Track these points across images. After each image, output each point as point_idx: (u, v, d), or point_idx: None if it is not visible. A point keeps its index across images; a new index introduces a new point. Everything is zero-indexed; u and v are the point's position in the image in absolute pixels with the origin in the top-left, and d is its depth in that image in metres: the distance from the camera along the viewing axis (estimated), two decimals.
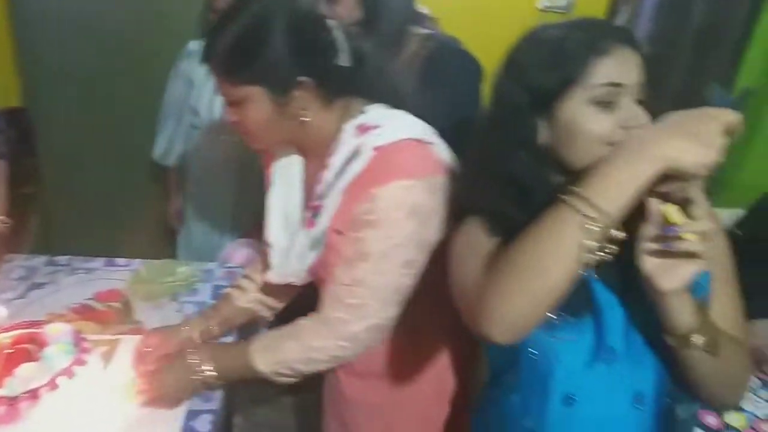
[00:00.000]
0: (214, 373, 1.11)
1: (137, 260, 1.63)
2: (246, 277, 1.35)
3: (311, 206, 1.08)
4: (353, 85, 1.07)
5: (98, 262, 1.63)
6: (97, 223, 2.55)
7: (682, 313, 0.78)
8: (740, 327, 0.89)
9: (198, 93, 2.06)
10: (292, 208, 1.17)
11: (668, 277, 0.74)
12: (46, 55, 2.44)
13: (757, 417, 2.15)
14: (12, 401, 1.03)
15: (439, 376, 1.22)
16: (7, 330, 1.20)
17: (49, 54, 2.44)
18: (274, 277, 1.20)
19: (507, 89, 0.88)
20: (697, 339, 0.78)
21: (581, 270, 0.73)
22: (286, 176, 1.18)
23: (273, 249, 1.19)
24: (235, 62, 0.99)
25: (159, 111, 2.21)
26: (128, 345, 1.28)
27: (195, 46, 2.10)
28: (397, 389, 1.21)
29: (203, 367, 1.11)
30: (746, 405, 2.19)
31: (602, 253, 0.75)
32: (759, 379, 2.33)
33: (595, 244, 0.72)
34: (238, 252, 1.75)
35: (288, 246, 1.15)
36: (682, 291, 0.76)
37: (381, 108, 1.08)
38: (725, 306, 0.88)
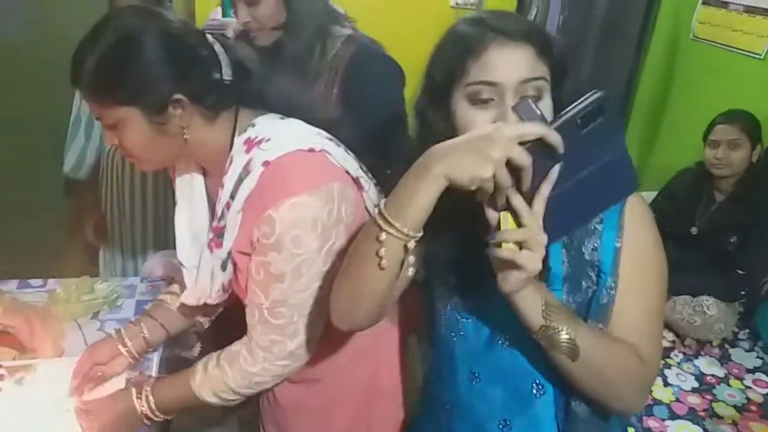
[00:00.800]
0: (159, 414, 1.12)
1: (52, 280, 1.55)
2: (178, 282, 1.31)
3: (215, 228, 1.06)
4: (238, 97, 1.05)
5: (11, 284, 1.54)
6: (6, 244, 2.41)
7: (527, 314, 0.80)
8: (643, 337, 0.87)
9: None
10: (198, 227, 1.14)
11: (505, 280, 0.77)
12: None
13: (684, 390, 2.28)
14: None
15: (370, 374, 1.23)
16: None
17: None
18: (188, 299, 1.18)
19: (420, 84, 0.90)
20: (544, 338, 0.79)
21: (389, 275, 0.81)
22: (189, 195, 1.15)
23: (185, 269, 1.16)
24: (103, 83, 0.95)
25: (66, 123, 2.11)
26: (46, 369, 1.22)
27: None
28: (330, 391, 1.21)
29: (148, 407, 1.11)
30: (672, 379, 2.32)
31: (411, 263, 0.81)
32: (682, 353, 2.48)
33: (384, 252, 0.78)
34: (159, 264, 1.69)
35: (198, 265, 1.13)
36: (525, 293, 0.78)
37: (271, 118, 1.06)
38: (625, 314, 0.87)
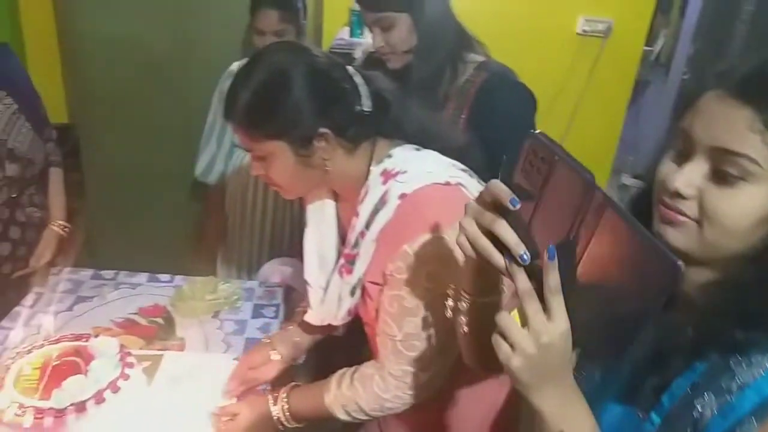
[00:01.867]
0: (293, 422, 1.15)
1: (179, 276, 1.65)
2: None
3: (346, 254, 1.09)
4: (377, 128, 1.07)
5: (142, 277, 1.65)
6: (138, 238, 2.60)
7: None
8: None
9: None
10: (327, 250, 1.18)
11: None
12: (90, 75, 2.51)
13: None
14: (59, 413, 1.05)
15: (485, 410, 1.20)
16: (54, 342, 1.22)
17: (94, 74, 2.51)
18: (312, 318, 1.22)
19: None
20: None
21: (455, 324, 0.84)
22: (319, 218, 1.19)
23: (311, 288, 1.20)
24: (254, 118, 1.00)
25: (202, 130, 2.27)
26: (171, 361, 1.30)
27: (237, 67, 2.14)
28: (444, 420, 1.19)
29: (283, 414, 1.14)
30: None
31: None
32: None
33: (449, 303, 0.85)
34: (277, 271, 1.76)
35: (325, 287, 1.16)
36: (536, 401, 0.63)
37: (408, 150, 1.07)
38: None
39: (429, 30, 1.48)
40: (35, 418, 1.04)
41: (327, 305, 1.15)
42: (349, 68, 1.05)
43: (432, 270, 0.97)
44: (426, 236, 0.96)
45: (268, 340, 1.30)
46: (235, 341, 1.40)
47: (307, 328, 1.32)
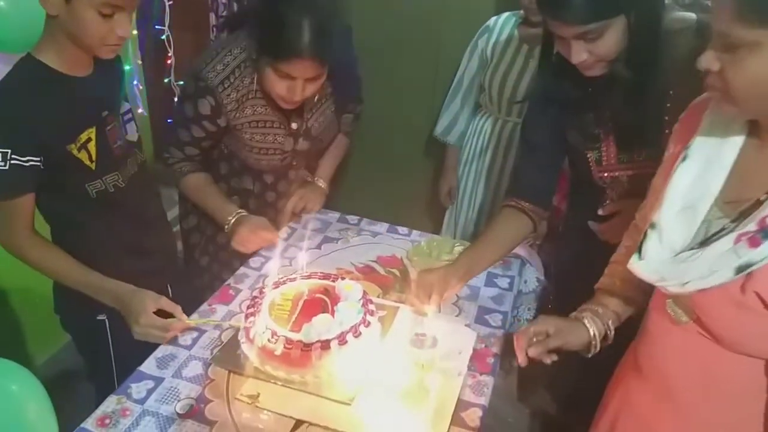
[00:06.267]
0: None
1: (416, 231, 1.66)
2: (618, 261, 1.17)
3: (762, 221, 0.80)
4: None
5: (382, 227, 1.69)
6: (373, 187, 2.71)
7: None
8: None
9: (491, 71, 2.03)
10: (701, 200, 0.89)
11: None
12: (356, 26, 2.60)
13: None
14: (306, 347, 1.10)
15: None
16: (305, 278, 1.29)
17: (359, 25, 2.59)
18: (641, 269, 0.93)
19: None
20: None
21: None
22: (712, 156, 0.90)
23: (655, 232, 0.92)
24: None
25: (446, 90, 2.25)
26: (405, 315, 1.31)
27: (494, 22, 2.07)
28: None
29: None
30: None
31: None
32: None
33: None
34: None
35: (682, 244, 0.90)
36: None
37: None
38: None
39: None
40: (285, 347, 1.11)
41: (679, 267, 0.88)
42: None
43: None
44: None
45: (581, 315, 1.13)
46: (467, 307, 1.38)
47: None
